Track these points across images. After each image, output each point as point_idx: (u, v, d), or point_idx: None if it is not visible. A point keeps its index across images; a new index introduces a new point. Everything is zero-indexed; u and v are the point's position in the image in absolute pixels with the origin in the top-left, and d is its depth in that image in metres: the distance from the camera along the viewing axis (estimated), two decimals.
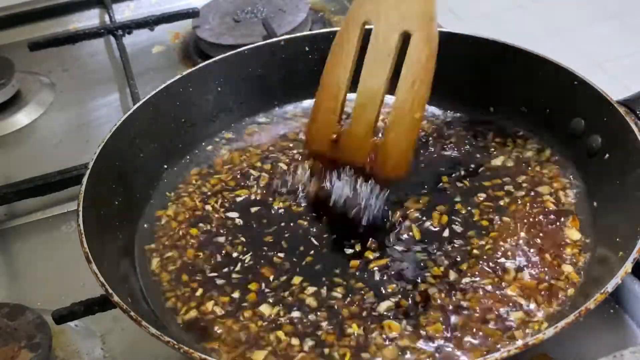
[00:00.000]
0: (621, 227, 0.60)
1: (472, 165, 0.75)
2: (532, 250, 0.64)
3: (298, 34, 0.87)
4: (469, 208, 0.69)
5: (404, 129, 0.65)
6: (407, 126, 0.65)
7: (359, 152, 0.67)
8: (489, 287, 0.61)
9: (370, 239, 0.66)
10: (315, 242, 0.67)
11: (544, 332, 0.50)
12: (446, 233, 0.67)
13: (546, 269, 0.62)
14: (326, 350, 0.57)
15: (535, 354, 0.58)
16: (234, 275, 0.65)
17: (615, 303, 0.64)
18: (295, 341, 0.58)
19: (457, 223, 0.68)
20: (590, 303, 0.51)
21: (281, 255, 0.66)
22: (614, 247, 0.59)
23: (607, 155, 0.68)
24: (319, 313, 0.60)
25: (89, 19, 1.20)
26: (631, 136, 0.64)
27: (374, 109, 0.67)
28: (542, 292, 0.60)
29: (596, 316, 0.63)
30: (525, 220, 0.67)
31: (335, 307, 0.61)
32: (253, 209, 0.72)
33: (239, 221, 0.71)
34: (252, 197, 0.74)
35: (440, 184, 0.73)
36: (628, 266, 0.53)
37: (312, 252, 0.66)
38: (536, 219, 0.67)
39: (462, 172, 0.74)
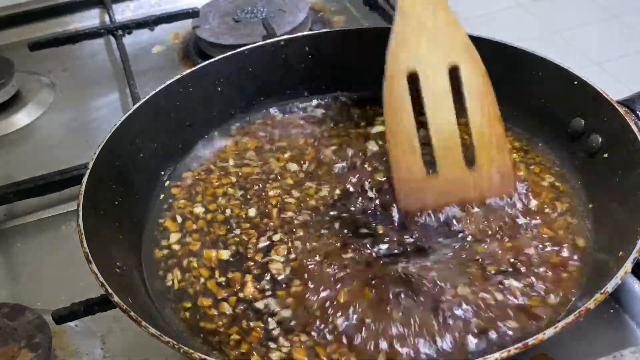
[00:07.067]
0: (621, 227, 0.60)
1: None
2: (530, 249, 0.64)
3: (298, 34, 0.87)
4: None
5: (494, 149, 0.67)
6: (496, 146, 0.67)
7: (462, 191, 0.67)
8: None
9: None
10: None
11: (544, 332, 0.50)
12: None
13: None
14: None
15: (535, 354, 0.58)
16: (233, 272, 0.65)
17: (615, 303, 0.64)
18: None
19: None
20: (590, 303, 0.51)
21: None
22: (613, 247, 0.59)
23: (606, 155, 0.68)
24: None
25: (89, 19, 1.20)
26: (631, 136, 0.64)
27: (457, 146, 0.67)
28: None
29: (596, 316, 0.63)
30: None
31: None
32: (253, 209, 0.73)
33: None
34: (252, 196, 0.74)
35: None
36: (628, 266, 0.53)
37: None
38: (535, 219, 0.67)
39: None
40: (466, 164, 0.68)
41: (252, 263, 0.66)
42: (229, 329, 0.61)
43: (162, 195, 0.76)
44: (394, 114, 0.68)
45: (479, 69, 0.68)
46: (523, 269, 0.62)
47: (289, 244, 0.67)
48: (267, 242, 0.68)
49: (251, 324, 0.60)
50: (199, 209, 0.73)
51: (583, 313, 0.51)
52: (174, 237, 0.70)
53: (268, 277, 0.64)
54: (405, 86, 0.68)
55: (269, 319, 0.61)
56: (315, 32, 0.88)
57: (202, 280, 0.65)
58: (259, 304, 0.62)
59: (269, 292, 0.63)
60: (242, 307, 0.62)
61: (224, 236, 0.70)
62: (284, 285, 0.63)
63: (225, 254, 0.68)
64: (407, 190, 0.68)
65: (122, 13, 1.20)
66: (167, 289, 0.65)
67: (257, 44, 0.85)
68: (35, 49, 1.08)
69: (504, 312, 0.58)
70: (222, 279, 0.65)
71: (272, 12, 1.10)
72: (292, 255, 0.66)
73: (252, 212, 0.72)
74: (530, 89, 0.76)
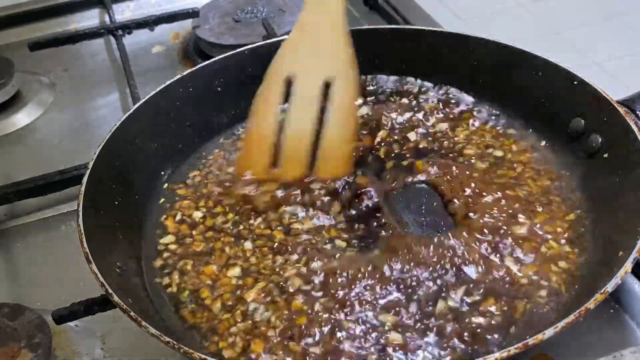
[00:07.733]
0: (621, 227, 0.60)
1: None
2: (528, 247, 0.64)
3: None
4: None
5: (338, 161, 0.73)
6: (338, 157, 0.73)
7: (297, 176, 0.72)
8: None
9: None
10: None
11: (544, 332, 0.50)
12: None
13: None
14: None
15: (535, 354, 0.58)
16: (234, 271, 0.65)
17: (615, 303, 0.64)
18: None
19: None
20: (590, 303, 0.51)
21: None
22: (613, 247, 0.59)
23: (606, 155, 0.68)
24: None
25: (89, 19, 1.20)
26: (631, 136, 0.64)
27: (305, 149, 0.72)
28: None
29: (596, 316, 0.63)
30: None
31: None
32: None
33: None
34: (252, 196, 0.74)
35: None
36: (628, 266, 0.53)
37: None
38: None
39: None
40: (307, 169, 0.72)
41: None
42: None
43: (162, 196, 0.76)
44: (261, 107, 0.74)
45: (351, 89, 0.73)
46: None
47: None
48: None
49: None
50: (200, 209, 0.73)
51: (583, 313, 0.51)
52: (175, 237, 0.70)
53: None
54: (279, 87, 0.74)
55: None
56: None
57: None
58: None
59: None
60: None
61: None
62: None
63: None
64: (248, 168, 0.74)
65: (122, 13, 1.20)
66: (166, 288, 0.65)
67: (257, 44, 0.85)
68: (35, 49, 1.08)
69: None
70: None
71: (272, 12, 1.10)
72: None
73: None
74: (530, 89, 0.76)
